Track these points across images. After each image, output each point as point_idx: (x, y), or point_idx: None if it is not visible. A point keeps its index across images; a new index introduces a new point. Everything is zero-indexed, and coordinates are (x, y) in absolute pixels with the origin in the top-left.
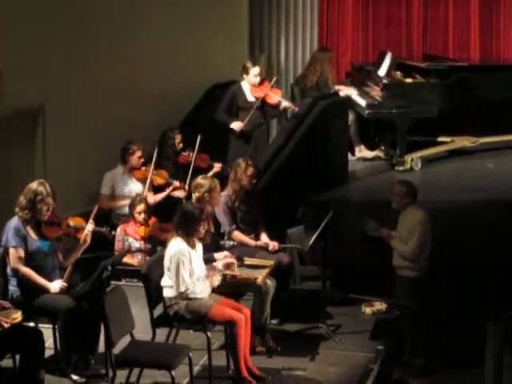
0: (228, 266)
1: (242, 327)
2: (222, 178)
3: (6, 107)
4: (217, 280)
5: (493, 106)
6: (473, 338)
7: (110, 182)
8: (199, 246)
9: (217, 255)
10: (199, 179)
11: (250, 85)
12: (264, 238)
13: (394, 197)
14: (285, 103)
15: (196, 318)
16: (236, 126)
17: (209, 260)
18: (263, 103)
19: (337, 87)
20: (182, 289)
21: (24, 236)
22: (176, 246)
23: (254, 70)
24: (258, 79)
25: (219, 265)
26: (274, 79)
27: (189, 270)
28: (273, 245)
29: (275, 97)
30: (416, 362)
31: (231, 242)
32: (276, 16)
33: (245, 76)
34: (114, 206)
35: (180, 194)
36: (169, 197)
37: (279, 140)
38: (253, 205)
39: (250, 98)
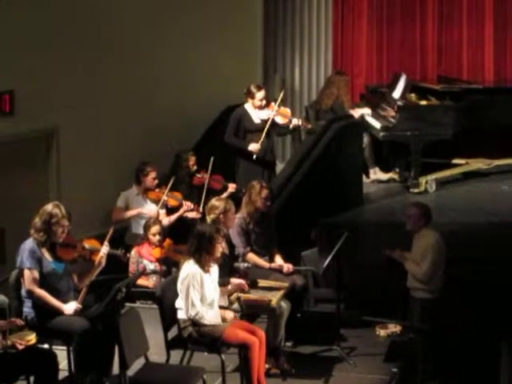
0: (239, 287)
1: (255, 349)
2: (236, 199)
3: (20, 129)
4: (229, 316)
5: (507, 128)
6: (487, 360)
7: (125, 199)
8: (214, 269)
9: (232, 280)
10: (214, 201)
11: (255, 108)
12: (278, 260)
13: (408, 219)
14: (295, 121)
15: (210, 340)
16: (254, 147)
17: (223, 284)
18: (272, 124)
19: (351, 111)
20: (192, 314)
21: (39, 258)
22: (188, 269)
23: (259, 95)
24: (263, 103)
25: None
26: (280, 98)
27: (200, 294)
28: (287, 267)
29: (284, 116)
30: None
31: (245, 264)
32: (290, 38)
33: (249, 100)
34: (125, 216)
35: (194, 215)
36: (183, 218)
37: (294, 162)
38: (267, 227)
39: (257, 120)
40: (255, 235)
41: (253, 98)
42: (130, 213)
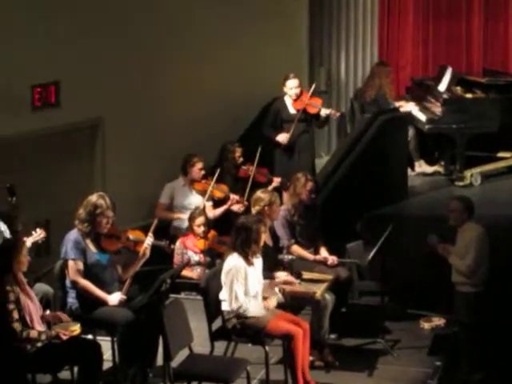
0: (287, 283)
1: (299, 341)
2: (280, 192)
3: (65, 120)
4: (272, 303)
5: None
6: None
7: (169, 192)
8: (258, 261)
9: (278, 275)
10: (259, 193)
11: (289, 97)
12: (323, 253)
13: (450, 214)
14: (325, 111)
15: (254, 331)
16: (282, 138)
17: (268, 278)
18: (305, 114)
19: (397, 103)
20: (235, 306)
21: (83, 249)
22: (232, 262)
23: (290, 83)
24: (293, 91)
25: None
26: (313, 88)
27: (244, 288)
28: (332, 259)
29: (315, 106)
30: (474, 377)
31: (290, 256)
32: (336, 30)
33: (284, 88)
34: (169, 217)
35: (239, 208)
36: (228, 210)
37: (339, 154)
38: (312, 219)
39: (292, 110)
40: (300, 227)
41: (284, 85)
42: (173, 215)
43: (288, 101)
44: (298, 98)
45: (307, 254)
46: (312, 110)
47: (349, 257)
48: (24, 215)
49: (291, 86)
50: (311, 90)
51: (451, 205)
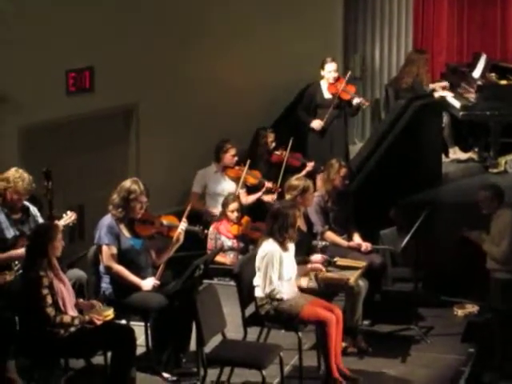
0: (314, 270)
1: (333, 327)
2: (313, 176)
3: (99, 105)
4: (304, 282)
5: None
6: None
7: (202, 180)
8: (291, 247)
9: (312, 257)
10: (293, 180)
11: (326, 81)
12: (356, 239)
13: (481, 203)
14: (356, 99)
15: (287, 317)
16: (316, 124)
17: (302, 262)
18: (339, 100)
19: (431, 86)
20: (268, 290)
21: (117, 234)
22: (267, 247)
23: (330, 66)
24: (332, 75)
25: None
26: (348, 75)
27: (278, 272)
28: (365, 246)
29: (349, 93)
30: (507, 365)
31: (323, 243)
32: (371, 17)
33: (321, 72)
34: (202, 209)
35: (272, 198)
36: (261, 197)
37: (373, 140)
38: (345, 205)
39: (327, 95)
40: (333, 213)
41: (323, 69)
42: (207, 209)
43: (324, 85)
44: (334, 82)
45: (341, 241)
46: (345, 97)
47: (382, 243)
48: (58, 200)
49: (330, 70)
50: (347, 77)
51: (479, 195)
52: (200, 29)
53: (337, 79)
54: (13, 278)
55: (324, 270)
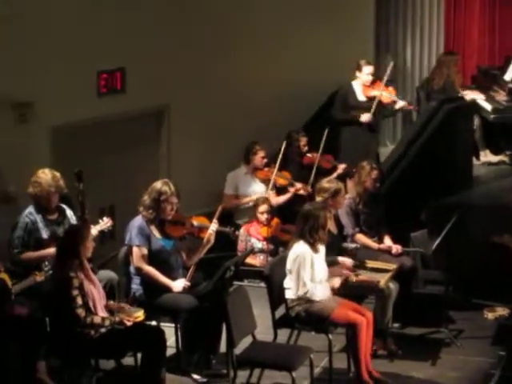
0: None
1: (363, 330)
2: (345, 179)
3: (130, 106)
4: (337, 282)
5: None
6: None
7: (233, 181)
8: (322, 249)
9: (341, 259)
10: (324, 182)
11: (361, 84)
12: (387, 241)
13: None
14: (400, 102)
15: (318, 319)
16: (366, 117)
17: (332, 263)
18: (373, 102)
19: (462, 92)
20: (301, 292)
21: (148, 235)
22: (299, 249)
23: (367, 69)
24: (369, 78)
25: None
26: (385, 78)
27: (310, 274)
28: (396, 248)
29: (390, 96)
30: None
31: (354, 245)
32: (402, 19)
33: (357, 74)
34: (238, 203)
35: (303, 194)
36: (291, 198)
37: (404, 143)
38: (376, 208)
39: (361, 97)
40: (364, 216)
41: (360, 71)
42: (243, 200)
43: (357, 87)
44: (370, 85)
45: (371, 243)
46: (387, 100)
47: (413, 246)
48: (89, 201)
49: (368, 72)
50: (384, 80)
51: (510, 197)
52: (233, 30)
53: (373, 82)
54: (43, 279)
55: (352, 274)
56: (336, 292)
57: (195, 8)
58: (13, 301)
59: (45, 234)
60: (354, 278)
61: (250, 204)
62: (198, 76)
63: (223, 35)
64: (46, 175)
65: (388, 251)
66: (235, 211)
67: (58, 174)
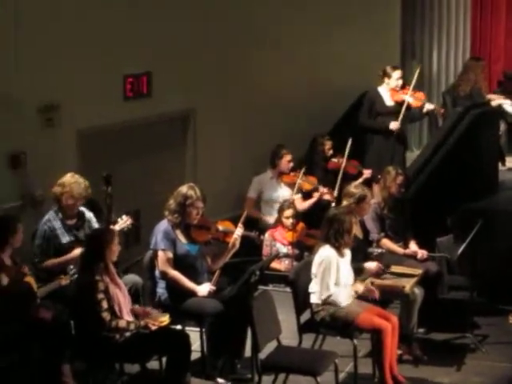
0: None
1: (388, 335)
2: (370, 184)
3: (157, 110)
4: (360, 288)
5: None
6: None
7: (258, 186)
8: (347, 253)
9: (367, 265)
10: (351, 187)
11: (390, 89)
12: (413, 247)
13: None
14: (428, 106)
15: (343, 325)
16: (395, 125)
17: (358, 269)
18: (401, 107)
19: (488, 96)
20: (324, 296)
21: (173, 239)
22: (324, 253)
23: (396, 74)
24: (399, 82)
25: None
26: (414, 81)
27: (335, 278)
28: (421, 253)
29: (419, 100)
30: None
31: (379, 250)
32: (429, 24)
33: (386, 80)
34: (256, 216)
35: (328, 199)
36: (317, 203)
37: (430, 148)
38: (401, 213)
39: (389, 102)
40: (390, 221)
41: (389, 77)
42: (259, 216)
43: (384, 92)
44: (399, 90)
45: (397, 248)
46: (416, 104)
47: (439, 251)
48: (115, 205)
49: (397, 77)
50: (413, 82)
51: None
52: (259, 34)
53: (402, 87)
54: (68, 283)
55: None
56: (362, 296)
57: (221, 13)
58: (38, 304)
59: (64, 240)
60: (378, 282)
61: (271, 204)
62: (224, 80)
63: (249, 40)
64: (75, 180)
65: (413, 256)
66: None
67: (87, 183)
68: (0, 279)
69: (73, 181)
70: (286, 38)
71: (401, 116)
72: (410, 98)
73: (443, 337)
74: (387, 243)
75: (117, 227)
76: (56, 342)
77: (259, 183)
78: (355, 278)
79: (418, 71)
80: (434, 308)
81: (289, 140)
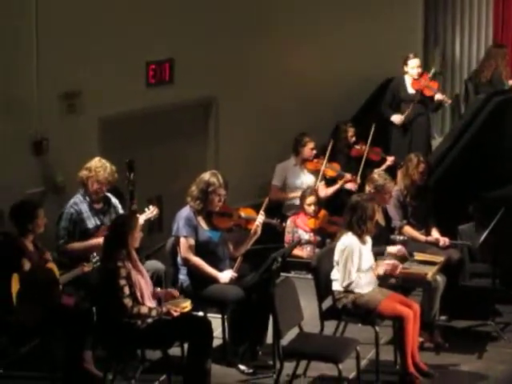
0: (396, 258)
1: (410, 323)
2: (394, 171)
3: (179, 97)
4: (381, 269)
5: None
6: None
7: (281, 173)
8: (369, 240)
9: (390, 248)
10: (375, 174)
11: (410, 77)
12: (435, 234)
13: None
14: (438, 96)
15: (365, 312)
16: (396, 119)
17: (380, 253)
18: (422, 96)
19: (510, 82)
20: (346, 283)
21: (195, 226)
22: (347, 240)
23: (413, 62)
24: (415, 71)
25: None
26: (432, 71)
27: (357, 265)
28: (443, 240)
29: (431, 89)
30: None
31: (401, 237)
32: (451, 11)
33: (404, 67)
34: (284, 197)
35: (351, 186)
36: (340, 190)
37: (452, 135)
38: (424, 200)
39: (411, 90)
40: (412, 208)
41: (406, 64)
42: (288, 195)
43: (407, 80)
44: (418, 78)
45: (419, 235)
46: (428, 93)
47: (461, 238)
48: (137, 191)
49: (413, 65)
50: (431, 73)
51: None
52: (280, 21)
53: (421, 75)
54: (91, 269)
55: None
56: (383, 281)
57: (244, 2)
58: (61, 290)
59: (90, 224)
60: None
61: (296, 199)
62: (246, 67)
63: (273, 27)
64: (101, 164)
65: (435, 244)
66: (283, 203)
67: (114, 168)
68: (22, 264)
69: (99, 165)
70: (310, 26)
71: (410, 107)
72: (425, 86)
73: (465, 324)
74: (409, 230)
75: (143, 217)
76: (78, 328)
77: (283, 170)
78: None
79: (439, 59)
80: (455, 295)
81: (312, 127)
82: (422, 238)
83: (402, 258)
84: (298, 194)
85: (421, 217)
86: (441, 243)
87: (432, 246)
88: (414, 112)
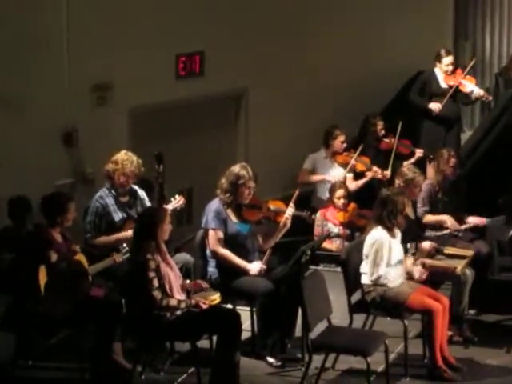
0: (428, 253)
1: (439, 316)
2: (423, 163)
3: (209, 90)
4: (409, 262)
5: None
6: None
7: (312, 161)
8: (398, 233)
9: (422, 244)
10: (405, 168)
11: (442, 72)
12: (471, 219)
13: None
14: (477, 92)
15: (393, 305)
16: (434, 106)
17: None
18: (456, 91)
19: None
20: (374, 277)
21: (224, 219)
22: (377, 234)
23: (447, 60)
24: (449, 68)
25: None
26: (469, 67)
27: (387, 259)
28: (481, 221)
29: (469, 85)
30: None
31: (439, 233)
32: (481, 5)
33: (437, 64)
34: (311, 180)
35: (381, 179)
36: (369, 183)
37: (482, 129)
38: (457, 194)
39: (443, 84)
40: (443, 203)
41: (440, 62)
42: (315, 177)
43: (439, 74)
44: (451, 73)
45: (441, 217)
46: (465, 89)
47: (490, 232)
48: (167, 183)
49: (447, 63)
50: (468, 68)
51: None
52: (312, 15)
53: (453, 71)
54: (121, 260)
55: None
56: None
57: None
58: (90, 282)
59: (116, 217)
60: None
61: (325, 192)
62: (276, 60)
63: (301, 19)
64: (128, 157)
65: (472, 230)
66: (313, 197)
67: (140, 161)
68: (49, 256)
69: (125, 158)
70: (338, 19)
71: (445, 100)
72: (460, 82)
73: (494, 318)
74: (430, 217)
75: (170, 207)
76: (108, 320)
77: (314, 160)
78: (406, 255)
79: (473, 62)
80: (484, 289)
81: (341, 119)
82: (444, 218)
83: (431, 254)
84: (325, 177)
85: (452, 211)
86: (481, 224)
87: (460, 240)
88: (447, 106)
